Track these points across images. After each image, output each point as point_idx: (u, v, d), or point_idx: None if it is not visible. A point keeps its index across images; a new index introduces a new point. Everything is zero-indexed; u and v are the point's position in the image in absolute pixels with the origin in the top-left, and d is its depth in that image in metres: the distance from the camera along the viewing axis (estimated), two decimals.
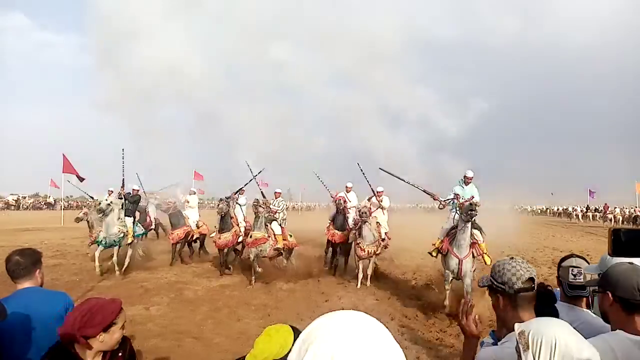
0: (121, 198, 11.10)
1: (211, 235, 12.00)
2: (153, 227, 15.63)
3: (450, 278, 7.92)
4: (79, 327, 2.09)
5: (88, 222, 12.07)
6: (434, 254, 8.45)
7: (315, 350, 0.80)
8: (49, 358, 2.15)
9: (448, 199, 8.68)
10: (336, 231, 11.36)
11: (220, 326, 6.79)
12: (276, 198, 11.61)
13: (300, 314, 7.60)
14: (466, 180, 8.83)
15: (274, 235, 10.36)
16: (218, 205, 10.98)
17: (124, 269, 10.64)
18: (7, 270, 2.71)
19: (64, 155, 11.32)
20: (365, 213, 9.61)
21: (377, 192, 10.89)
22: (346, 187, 12.16)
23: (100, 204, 10.59)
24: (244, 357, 1.82)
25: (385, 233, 10.67)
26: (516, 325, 1.70)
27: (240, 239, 11.44)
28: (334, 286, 9.89)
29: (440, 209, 8.93)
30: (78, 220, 12.04)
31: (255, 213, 10.09)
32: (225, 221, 10.94)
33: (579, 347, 1.53)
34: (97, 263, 10.42)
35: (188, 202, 13.10)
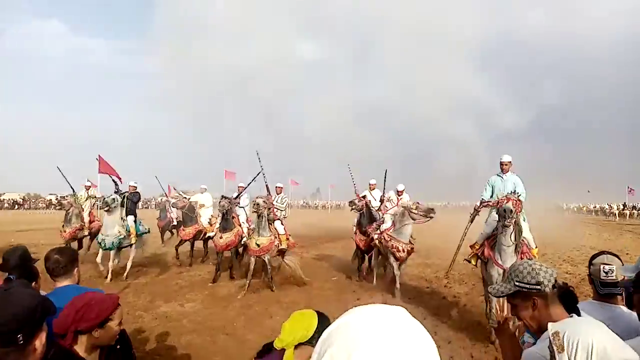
0: (122, 195, 10.58)
1: (210, 234, 11.49)
2: (174, 223, 15.62)
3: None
4: (73, 321, 2.04)
5: (67, 214, 11.48)
6: (473, 261, 6.99)
7: (332, 352, 0.77)
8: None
9: (482, 204, 7.14)
10: (363, 236, 10.48)
11: (252, 323, 6.87)
12: (278, 194, 10.67)
13: (332, 312, 7.59)
14: (503, 167, 7.24)
15: (278, 235, 9.63)
16: (220, 202, 10.07)
17: (127, 272, 10.04)
18: (47, 269, 2.82)
19: (99, 156, 11.54)
20: (408, 211, 8.53)
21: (398, 190, 10.04)
22: (369, 184, 11.27)
23: (103, 198, 10.14)
24: (272, 342, 1.87)
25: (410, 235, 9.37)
26: (550, 325, 1.66)
27: (243, 240, 10.52)
28: (365, 284, 9.86)
29: (475, 213, 7.47)
30: (61, 206, 11.65)
31: (256, 212, 9.06)
32: (226, 220, 10.10)
33: (617, 350, 1.48)
34: (101, 267, 9.98)
35: (197, 201, 12.63)
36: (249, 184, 11.29)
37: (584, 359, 1.48)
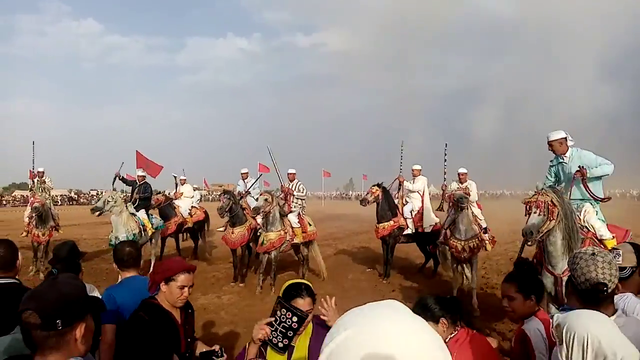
0: (134, 188, 10.36)
1: (219, 230, 10.78)
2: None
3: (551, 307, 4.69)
4: (153, 272, 2.60)
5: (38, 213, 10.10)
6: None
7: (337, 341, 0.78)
8: (141, 304, 2.51)
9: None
10: (378, 225, 9.70)
11: None
12: (291, 181, 9.94)
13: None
14: (553, 149, 5.54)
15: (292, 229, 9.07)
16: (221, 200, 9.50)
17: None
18: (119, 260, 3.15)
19: (137, 151, 11.74)
20: (463, 199, 7.55)
21: (460, 174, 8.71)
22: (412, 170, 10.19)
23: (99, 200, 9.48)
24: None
25: (485, 228, 8.22)
26: (555, 317, 1.67)
27: (259, 232, 9.81)
28: (398, 276, 9.79)
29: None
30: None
31: (259, 213, 8.84)
32: (236, 214, 9.45)
33: (613, 345, 1.45)
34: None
35: (182, 193, 12.23)
36: (257, 179, 11.10)
37: (580, 352, 1.48)
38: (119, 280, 3.33)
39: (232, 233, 9.39)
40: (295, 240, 9.15)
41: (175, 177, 12.73)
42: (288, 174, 10.02)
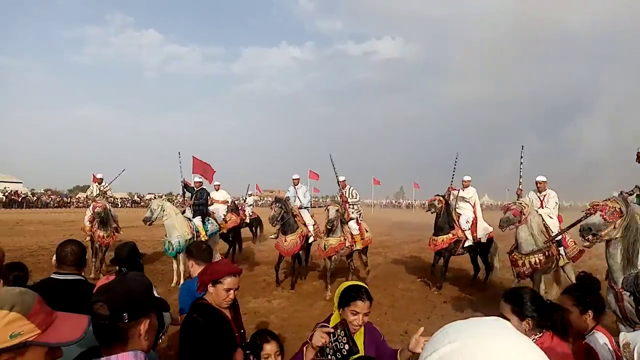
0: (193, 194, 10.53)
1: (271, 237, 10.73)
2: (247, 221, 16.24)
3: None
4: (202, 274, 2.73)
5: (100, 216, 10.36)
6: None
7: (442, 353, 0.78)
8: (193, 306, 2.64)
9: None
10: (435, 237, 9.57)
11: None
12: (343, 188, 9.92)
13: (417, 314, 7.50)
14: None
15: (351, 235, 9.32)
16: (272, 208, 9.41)
17: None
18: (196, 256, 3.49)
19: (194, 157, 12.06)
20: (524, 209, 7.06)
21: (538, 182, 8.14)
22: (463, 181, 10.15)
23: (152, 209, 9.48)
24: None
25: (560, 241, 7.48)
26: (622, 335, 1.64)
27: (311, 240, 10.04)
28: (450, 287, 9.58)
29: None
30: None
31: (331, 227, 8.85)
32: (287, 222, 9.40)
33: None
34: (175, 276, 9.52)
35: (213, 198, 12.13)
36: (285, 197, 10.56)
37: None
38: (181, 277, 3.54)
39: (285, 241, 9.35)
40: (357, 247, 9.40)
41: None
42: (339, 181, 10.07)
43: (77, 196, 55.09)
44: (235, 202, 16.45)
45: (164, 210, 9.43)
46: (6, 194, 45.61)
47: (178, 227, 9.37)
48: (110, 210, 10.87)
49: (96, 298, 1.52)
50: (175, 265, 9.59)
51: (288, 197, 10.14)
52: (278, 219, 9.25)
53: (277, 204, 9.36)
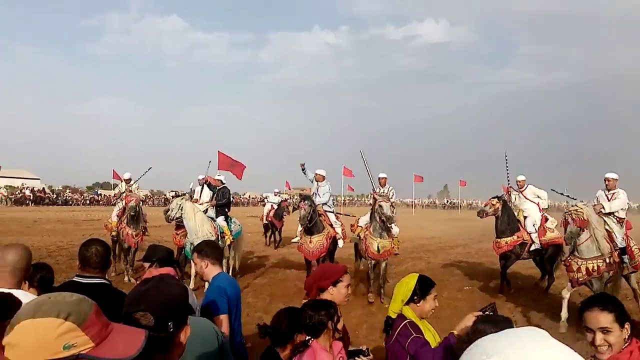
0: (214, 193, 10.58)
1: (294, 241, 10.65)
2: (265, 222, 17.18)
3: None
4: (315, 281, 3.05)
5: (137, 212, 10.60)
6: None
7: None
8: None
9: None
10: (499, 239, 9.62)
11: (375, 332, 6.95)
12: (382, 186, 9.96)
13: None
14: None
15: (393, 239, 9.34)
16: (301, 206, 9.41)
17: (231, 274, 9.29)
18: (211, 256, 3.54)
19: (219, 152, 12.13)
20: (583, 214, 6.93)
21: (608, 179, 7.90)
22: (517, 181, 10.28)
23: (171, 207, 9.73)
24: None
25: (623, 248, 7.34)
26: None
27: (340, 244, 10.01)
28: (503, 297, 9.43)
29: None
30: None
31: (375, 214, 8.96)
32: (313, 223, 9.41)
33: None
34: (192, 282, 9.52)
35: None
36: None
37: None
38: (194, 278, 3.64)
39: (310, 242, 9.40)
40: (396, 251, 9.61)
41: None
42: (379, 178, 10.07)
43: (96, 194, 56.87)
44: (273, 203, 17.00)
45: (182, 210, 9.42)
46: (26, 190, 47.37)
47: (199, 228, 9.36)
48: (141, 207, 11.07)
49: (136, 307, 1.51)
50: (193, 269, 9.37)
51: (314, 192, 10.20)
52: (308, 218, 9.28)
53: (306, 202, 9.35)
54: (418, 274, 2.98)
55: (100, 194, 55.78)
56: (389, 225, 9.06)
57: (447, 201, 75.48)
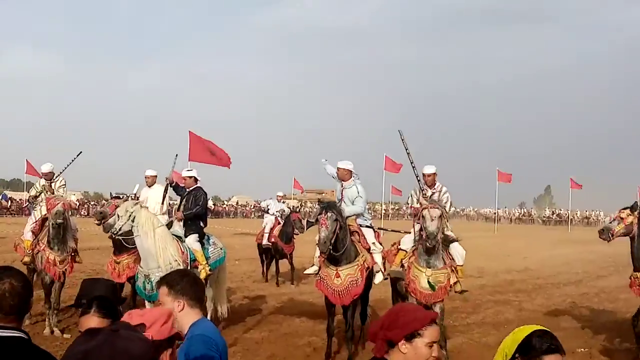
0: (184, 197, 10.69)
1: (309, 272, 10.67)
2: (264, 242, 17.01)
3: None
4: (382, 328, 2.93)
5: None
6: None
7: None
8: None
9: None
10: (638, 274, 9.37)
11: None
12: (430, 185, 9.87)
13: None
14: None
15: (454, 266, 9.28)
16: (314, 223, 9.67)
17: (219, 325, 9.67)
18: (189, 293, 3.50)
19: (190, 132, 12.08)
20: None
21: None
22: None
23: (102, 212, 10.22)
24: None
25: None
26: None
27: (378, 280, 9.95)
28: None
29: None
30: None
31: (431, 232, 8.65)
32: (343, 246, 9.23)
33: None
34: None
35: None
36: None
37: None
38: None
39: (336, 277, 9.18)
40: (462, 287, 9.39)
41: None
42: (425, 175, 9.89)
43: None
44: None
45: (133, 221, 9.27)
46: None
47: (160, 251, 9.27)
48: (69, 218, 10.98)
49: None
50: None
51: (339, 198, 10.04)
52: (332, 241, 8.94)
53: (329, 214, 9.01)
54: (536, 328, 2.94)
55: (10, 199, 56.01)
56: (438, 246, 8.80)
57: (551, 212, 74.98)
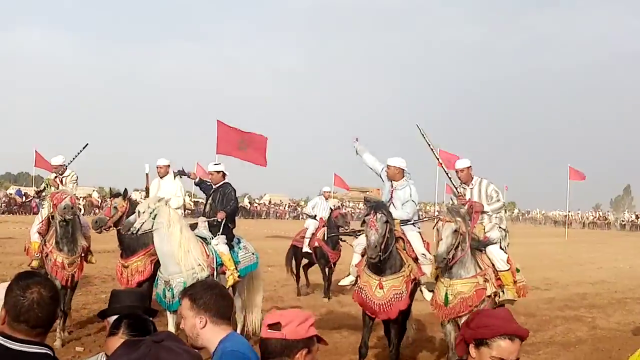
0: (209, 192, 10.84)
1: (344, 283, 10.59)
2: (307, 250, 16.48)
3: None
4: (465, 325, 3.19)
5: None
6: None
7: None
8: None
9: None
10: None
11: None
12: (465, 182, 9.73)
13: None
14: None
15: (495, 271, 8.96)
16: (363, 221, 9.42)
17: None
18: (214, 308, 3.48)
19: (219, 122, 12.17)
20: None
21: None
22: None
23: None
24: None
25: None
26: None
27: (426, 295, 9.53)
28: None
29: None
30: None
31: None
32: (389, 253, 9.05)
33: None
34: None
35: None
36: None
37: None
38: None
39: (379, 288, 9.02)
40: (505, 297, 8.98)
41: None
42: (457, 170, 9.85)
43: (7, 190, 58.00)
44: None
45: (155, 218, 9.29)
46: None
47: (182, 255, 9.29)
48: (79, 214, 11.18)
49: None
50: (171, 325, 9.44)
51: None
52: (382, 246, 8.81)
53: (379, 214, 8.86)
54: None
55: (25, 194, 56.46)
56: (443, 260, 8.38)
57: (631, 215, 74.05)
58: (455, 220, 8.34)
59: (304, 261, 17.21)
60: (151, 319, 3.75)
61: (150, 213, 9.23)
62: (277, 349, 2.87)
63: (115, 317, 3.67)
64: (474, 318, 3.11)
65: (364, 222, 9.32)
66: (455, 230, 8.25)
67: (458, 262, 8.45)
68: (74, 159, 12.13)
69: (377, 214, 8.79)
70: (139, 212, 9.40)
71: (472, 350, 2.95)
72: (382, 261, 8.93)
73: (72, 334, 10.53)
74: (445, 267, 8.47)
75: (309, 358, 2.84)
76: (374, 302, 8.96)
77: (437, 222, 8.66)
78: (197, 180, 11.06)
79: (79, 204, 11.28)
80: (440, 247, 8.27)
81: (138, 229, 9.28)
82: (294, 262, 17.18)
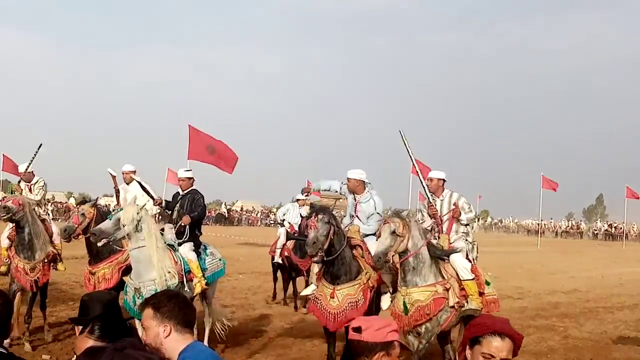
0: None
1: (305, 293, 10.94)
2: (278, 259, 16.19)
3: None
4: (470, 326, 3.24)
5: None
6: None
7: None
8: None
9: None
10: None
11: None
12: (434, 192, 9.64)
13: None
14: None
15: (458, 284, 8.77)
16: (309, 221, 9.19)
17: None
18: (177, 317, 3.48)
19: (190, 127, 12.14)
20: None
21: None
22: None
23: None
24: None
25: None
26: None
27: (385, 305, 9.52)
28: None
29: None
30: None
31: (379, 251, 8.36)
32: (339, 258, 9.03)
33: None
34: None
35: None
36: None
37: None
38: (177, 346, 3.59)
39: (332, 297, 8.99)
40: (470, 306, 8.81)
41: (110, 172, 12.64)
42: (429, 179, 9.76)
43: None
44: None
45: (137, 227, 9.12)
46: None
47: (156, 262, 9.22)
48: (46, 218, 11.24)
49: None
50: (140, 333, 9.39)
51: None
52: (320, 246, 8.69)
53: (320, 215, 8.88)
54: None
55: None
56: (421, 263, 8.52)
57: (604, 224, 74.69)
58: (393, 222, 8.36)
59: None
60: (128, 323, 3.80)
61: (136, 225, 9.06)
62: (358, 350, 3.22)
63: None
64: (473, 321, 3.34)
65: (306, 225, 9.45)
66: (393, 232, 8.23)
67: (412, 270, 8.45)
68: (31, 161, 11.99)
69: (319, 215, 8.79)
70: (122, 225, 9.06)
71: (468, 351, 3.12)
72: (333, 265, 8.93)
73: (40, 341, 10.47)
74: (382, 267, 8.52)
75: None
76: (329, 311, 8.89)
77: (387, 222, 8.51)
78: (163, 203, 10.91)
79: (48, 209, 11.07)
80: (377, 247, 8.29)
81: (111, 238, 9.13)
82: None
